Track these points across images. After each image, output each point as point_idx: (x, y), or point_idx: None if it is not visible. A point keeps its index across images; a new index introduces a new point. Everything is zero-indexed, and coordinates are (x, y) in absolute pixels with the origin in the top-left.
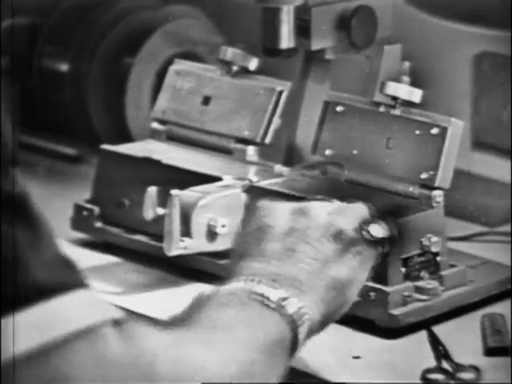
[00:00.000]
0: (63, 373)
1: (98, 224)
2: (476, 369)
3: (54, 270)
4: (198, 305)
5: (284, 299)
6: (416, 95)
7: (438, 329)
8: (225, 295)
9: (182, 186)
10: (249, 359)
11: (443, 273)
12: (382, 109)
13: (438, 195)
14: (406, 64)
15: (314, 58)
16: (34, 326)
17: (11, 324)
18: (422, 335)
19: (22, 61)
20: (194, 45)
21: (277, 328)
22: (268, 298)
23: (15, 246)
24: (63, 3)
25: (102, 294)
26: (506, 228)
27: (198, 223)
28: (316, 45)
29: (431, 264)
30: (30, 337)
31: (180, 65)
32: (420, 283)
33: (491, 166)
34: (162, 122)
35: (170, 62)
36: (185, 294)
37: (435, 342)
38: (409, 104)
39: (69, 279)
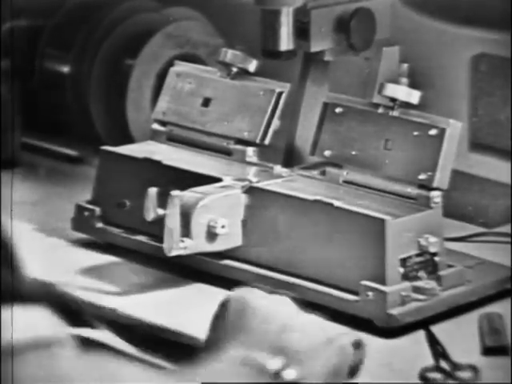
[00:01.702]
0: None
1: (99, 224)
2: (474, 368)
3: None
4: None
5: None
6: (414, 97)
7: (436, 328)
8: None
9: (183, 187)
10: None
11: (441, 273)
12: (380, 110)
13: (436, 196)
14: (405, 66)
15: (313, 59)
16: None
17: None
18: (420, 335)
19: (23, 62)
20: (194, 47)
21: None
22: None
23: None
24: (65, 5)
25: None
26: (504, 228)
27: (198, 224)
28: (315, 47)
29: (429, 264)
30: None
31: (180, 66)
32: (418, 283)
33: (489, 167)
34: (163, 123)
35: (170, 64)
36: (185, 294)
37: (433, 342)
38: (407, 105)
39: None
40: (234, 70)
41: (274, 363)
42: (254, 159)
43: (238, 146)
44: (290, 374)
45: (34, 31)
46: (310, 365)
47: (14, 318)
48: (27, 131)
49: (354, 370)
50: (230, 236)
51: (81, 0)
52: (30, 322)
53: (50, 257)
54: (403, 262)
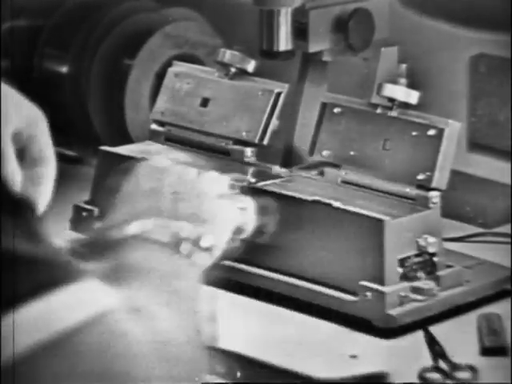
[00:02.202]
0: (81, 360)
1: (97, 225)
2: (472, 368)
3: (53, 264)
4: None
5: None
6: (413, 97)
7: (434, 329)
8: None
9: None
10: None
11: (440, 273)
12: (379, 110)
13: (434, 196)
14: (403, 66)
15: (311, 60)
16: (43, 318)
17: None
18: (419, 335)
19: (22, 62)
20: (192, 47)
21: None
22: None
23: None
24: (64, 5)
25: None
26: (503, 229)
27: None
28: (313, 47)
29: (428, 264)
30: (39, 329)
31: (179, 67)
32: (417, 283)
33: (488, 167)
34: (161, 123)
35: (169, 64)
36: None
37: (432, 342)
38: (406, 106)
39: (69, 270)
40: (233, 70)
41: (190, 231)
42: (253, 159)
43: (237, 147)
44: (206, 241)
45: (32, 31)
46: (219, 231)
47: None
48: None
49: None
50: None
51: (80, 0)
52: (82, 298)
53: None
54: (402, 262)
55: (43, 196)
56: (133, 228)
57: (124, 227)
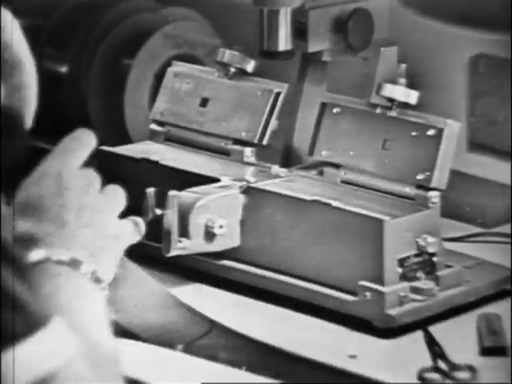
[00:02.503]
0: None
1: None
2: (472, 368)
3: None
4: None
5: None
6: (412, 97)
7: (434, 329)
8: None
9: (180, 187)
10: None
11: (439, 273)
12: (378, 110)
13: (434, 196)
14: (403, 66)
15: (310, 60)
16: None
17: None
18: (419, 335)
19: None
20: (192, 47)
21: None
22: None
23: None
24: (63, 5)
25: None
26: (502, 229)
27: (196, 224)
28: (313, 47)
29: (427, 264)
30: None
31: (178, 67)
32: (416, 283)
33: (487, 167)
34: (161, 123)
35: (168, 64)
36: (183, 294)
37: (431, 342)
38: (405, 106)
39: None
40: (232, 70)
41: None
42: (252, 159)
43: (236, 146)
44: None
45: (31, 31)
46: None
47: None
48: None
49: None
50: (228, 236)
51: (79, 0)
52: (47, 349)
53: None
54: (401, 262)
55: (27, 106)
56: (37, 253)
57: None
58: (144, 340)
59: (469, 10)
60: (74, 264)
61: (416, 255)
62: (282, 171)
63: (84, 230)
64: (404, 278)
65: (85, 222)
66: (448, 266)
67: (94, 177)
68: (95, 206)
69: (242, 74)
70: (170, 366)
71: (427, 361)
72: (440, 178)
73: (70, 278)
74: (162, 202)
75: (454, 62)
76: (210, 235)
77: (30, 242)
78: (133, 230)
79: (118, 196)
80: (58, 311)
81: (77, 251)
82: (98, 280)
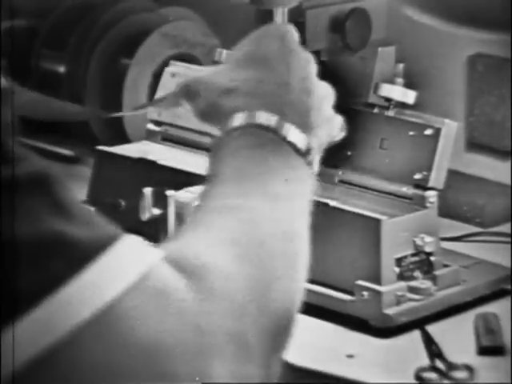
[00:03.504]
0: (133, 325)
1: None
2: (469, 368)
3: (91, 228)
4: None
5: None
6: (410, 96)
7: (431, 328)
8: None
9: (178, 187)
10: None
11: (437, 273)
12: (376, 110)
13: (431, 195)
14: (400, 66)
15: None
16: (89, 289)
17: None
18: (416, 334)
19: (20, 62)
20: (190, 47)
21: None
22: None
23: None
24: (61, 5)
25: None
26: (500, 228)
27: None
28: (310, 47)
29: (425, 264)
30: (86, 304)
31: (176, 67)
32: (413, 283)
33: (485, 167)
34: (158, 123)
35: (166, 64)
36: None
37: (429, 342)
38: (403, 105)
39: (107, 232)
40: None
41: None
42: None
43: None
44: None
45: (29, 31)
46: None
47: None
48: (22, 131)
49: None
50: None
51: (77, 0)
52: (124, 262)
53: None
54: (398, 261)
55: None
56: (239, 118)
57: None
58: None
59: (467, 10)
60: (280, 130)
61: (413, 255)
62: None
63: (302, 99)
64: (401, 277)
65: (306, 91)
66: (445, 266)
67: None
68: (315, 84)
69: None
70: None
71: (425, 360)
72: (437, 178)
73: (276, 147)
74: (159, 201)
75: (452, 62)
76: None
77: (232, 93)
78: (340, 128)
79: (330, 89)
80: (256, 178)
81: (288, 119)
82: (306, 152)
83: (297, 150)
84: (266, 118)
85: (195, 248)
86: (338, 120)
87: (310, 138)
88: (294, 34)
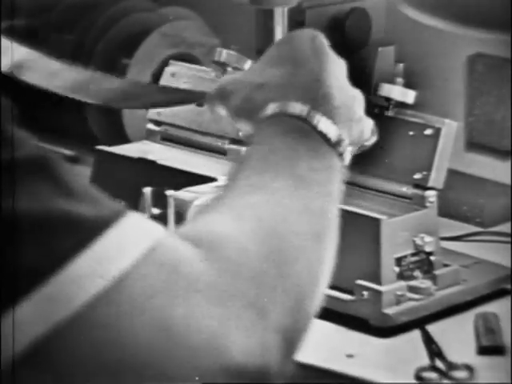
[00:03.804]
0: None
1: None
2: (469, 367)
3: (95, 205)
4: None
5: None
6: (409, 96)
7: (431, 328)
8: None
9: (177, 187)
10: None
11: (437, 272)
12: (375, 110)
13: (431, 195)
14: (400, 65)
15: None
16: (96, 264)
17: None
18: (416, 334)
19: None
20: (189, 46)
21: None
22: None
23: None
24: (60, 4)
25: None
26: (500, 228)
27: None
28: None
29: (425, 263)
30: (100, 275)
31: (175, 66)
32: (413, 282)
33: (485, 167)
34: (158, 122)
35: (166, 64)
36: None
37: (429, 341)
38: (402, 105)
39: (112, 208)
40: (229, 69)
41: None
42: None
43: (234, 146)
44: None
45: (29, 31)
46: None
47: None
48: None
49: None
50: None
51: (76, 0)
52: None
53: None
54: (398, 261)
55: None
56: (271, 108)
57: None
58: None
59: (466, 10)
60: (311, 119)
61: (413, 254)
62: None
63: (334, 94)
64: (401, 277)
65: (337, 88)
66: (445, 265)
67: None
68: (346, 84)
69: None
70: None
71: (424, 360)
72: (437, 178)
73: (306, 135)
74: (158, 201)
75: (452, 62)
76: None
77: (265, 87)
78: (371, 132)
79: (360, 94)
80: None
81: (319, 109)
82: (336, 143)
83: (327, 140)
84: (297, 107)
85: (211, 223)
86: (369, 123)
87: (341, 131)
88: (323, 37)
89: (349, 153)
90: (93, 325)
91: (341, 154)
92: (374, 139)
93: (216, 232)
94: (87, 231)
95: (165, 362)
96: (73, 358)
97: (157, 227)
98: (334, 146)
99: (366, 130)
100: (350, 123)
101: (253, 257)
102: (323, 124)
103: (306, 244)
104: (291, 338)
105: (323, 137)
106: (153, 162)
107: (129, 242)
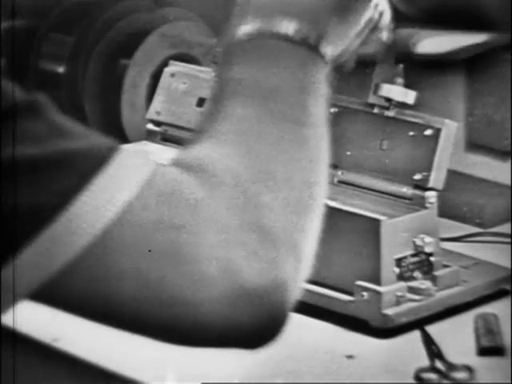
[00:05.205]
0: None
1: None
2: (469, 368)
3: (89, 143)
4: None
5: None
6: (410, 97)
7: (431, 329)
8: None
9: None
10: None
11: (437, 273)
12: (375, 110)
13: (431, 196)
14: (400, 66)
15: None
16: (97, 199)
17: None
18: (416, 335)
19: (19, 62)
20: (189, 47)
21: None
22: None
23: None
24: (59, 5)
25: None
26: (500, 229)
27: None
28: None
29: (425, 264)
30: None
31: (175, 67)
32: (413, 283)
33: (485, 167)
34: (157, 123)
35: (165, 64)
36: None
37: (428, 342)
38: (403, 105)
39: (106, 144)
40: None
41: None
42: None
43: None
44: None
45: (28, 31)
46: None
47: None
48: None
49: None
50: None
51: (76, 0)
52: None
53: None
54: (398, 262)
55: None
56: (250, 25)
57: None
58: None
59: (466, 12)
60: (299, 38)
61: (413, 255)
62: None
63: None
64: (401, 277)
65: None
66: (445, 266)
67: None
68: None
69: None
70: (168, 366)
71: (424, 361)
72: (437, 178)
73: (292, 54)
74: None
75: (452, 62)
76: None
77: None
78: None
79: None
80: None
81: (304, 24)
82: (314, 44)
83: (296, 41)
84: (287, 26)
85: (203, 151)
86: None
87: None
88: None
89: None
90: (101, 259)
91: (323, 56)
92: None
93: (208, 158)
94: (86, 166)
95: (178, 291)
96: (86, 293)
97: (152, 158)
98: (311, 47)
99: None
100: (331, 20)
101: (246, 180)
102: (287, 27)
103: (295, 165)
104: (299, 254)
105: (287, 37)
106: None
107: (127, 173)
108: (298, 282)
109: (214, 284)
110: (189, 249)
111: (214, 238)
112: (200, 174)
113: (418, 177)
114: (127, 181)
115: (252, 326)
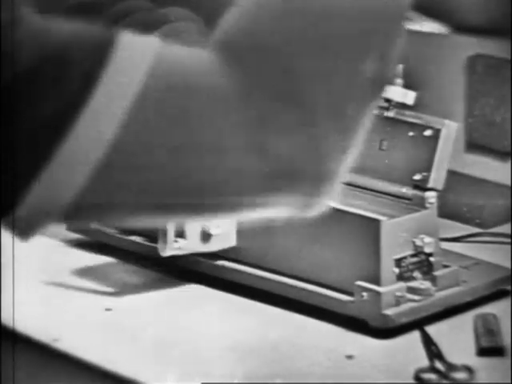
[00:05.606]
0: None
1: (93, 225)
2: (469, 369)
3: (91, 32)
4: None
5: None
6: (409, 97)
7: (430, 329)
8: None
9: None
10: None
11: (436, 273)
12: (375, 111)
13: (431, 196)
14: (400, 66)
15: None
16: (112, 94)
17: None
18: (415, 335)
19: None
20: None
21: None
22: None
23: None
24: (60, 5)
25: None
26: (500, 229)
27: (192, 224)
28: None
29: (424, 264)
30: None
31: None
32: (413, 283)
33: (485, 168)
34: None
35: None
36: (179, 294)
37: (428, 342)
38: (402, 106)
39: (105, 31)
40: None
41: None
42: None
43: None
44: None
45: None
46: None
47: None
48: None
49: None
50: (225, 236)
51: (76, 0)
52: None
53: (45, 257)
54: (398, 262)
55: None
56: None
57: None
58: None
59: (466, 15)
60: None
61: (413, 255)
62: None
63: None
64: (401, 278)
65: None
66: (445, 266)
67: None
68: None
69: None
70: (168, 365)
71: (424, 361)
72: (437, 179)
73: None
74: None
75: (452, 62)
76: (206, 235)
77: None
78: None
79: None
80: None
81: None
82: None
83: None
84: None
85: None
86: None
87: None
88: None
89: None
90: (130, 148)
91: None
92: None
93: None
94: (92, 57)
95: (208, 178)
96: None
97: (153, 38)
98: None
99: None
100: None
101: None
102: None
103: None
104: (341, 128)
105: None
106: None
107: (133, 61)
108: (340, 158)
109: (243, 171)
110: (203, 121)
111: (238, 119)
112: (210, 48)
113: (417, 177)
114: (135, 67)
115: (293, 197)
